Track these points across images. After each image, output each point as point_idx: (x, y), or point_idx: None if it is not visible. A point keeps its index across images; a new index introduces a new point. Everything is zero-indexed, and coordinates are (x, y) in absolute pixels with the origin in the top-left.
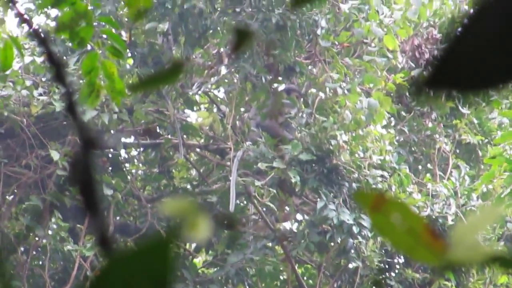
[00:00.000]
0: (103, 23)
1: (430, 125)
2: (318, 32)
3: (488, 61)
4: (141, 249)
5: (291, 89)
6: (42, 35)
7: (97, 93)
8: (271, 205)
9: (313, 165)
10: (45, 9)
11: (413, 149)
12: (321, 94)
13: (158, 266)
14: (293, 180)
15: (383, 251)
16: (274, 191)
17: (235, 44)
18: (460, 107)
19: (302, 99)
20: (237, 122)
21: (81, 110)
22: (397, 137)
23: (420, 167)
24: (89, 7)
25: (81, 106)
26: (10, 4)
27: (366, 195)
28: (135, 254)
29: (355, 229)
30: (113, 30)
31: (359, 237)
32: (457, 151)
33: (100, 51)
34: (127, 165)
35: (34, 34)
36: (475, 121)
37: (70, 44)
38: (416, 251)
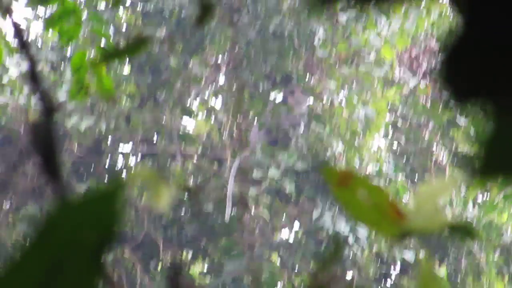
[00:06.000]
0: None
1: (427, 136)
2: (316, 42)
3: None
4: (87, 198)
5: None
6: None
7: (85, 90)
8: (267, 213)
9: (309, 174)
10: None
11: (410, 160)
12: (318, 104)
13: (105, 215)
14: (287, 189)
15: (379, 260)
16: (270, 199)
17: (199, 17)
18: (457, 118)
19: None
20: (234, 131)
21: (78, 118)
22: (394, 148)
23: (416, 178)
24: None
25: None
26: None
27: (332, 171)
28: (82, 203)
29: (351, 239)
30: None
31: (355, 246)
32: (454, 162)
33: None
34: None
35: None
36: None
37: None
38: (380, 225)
